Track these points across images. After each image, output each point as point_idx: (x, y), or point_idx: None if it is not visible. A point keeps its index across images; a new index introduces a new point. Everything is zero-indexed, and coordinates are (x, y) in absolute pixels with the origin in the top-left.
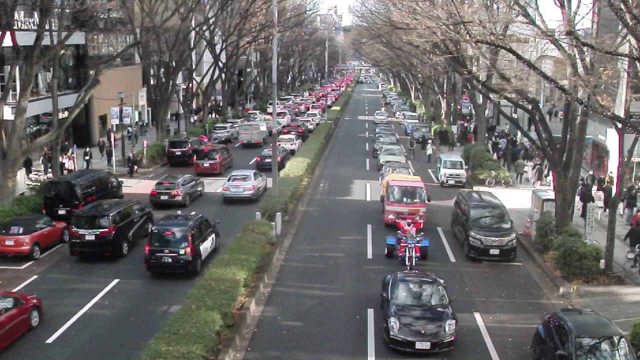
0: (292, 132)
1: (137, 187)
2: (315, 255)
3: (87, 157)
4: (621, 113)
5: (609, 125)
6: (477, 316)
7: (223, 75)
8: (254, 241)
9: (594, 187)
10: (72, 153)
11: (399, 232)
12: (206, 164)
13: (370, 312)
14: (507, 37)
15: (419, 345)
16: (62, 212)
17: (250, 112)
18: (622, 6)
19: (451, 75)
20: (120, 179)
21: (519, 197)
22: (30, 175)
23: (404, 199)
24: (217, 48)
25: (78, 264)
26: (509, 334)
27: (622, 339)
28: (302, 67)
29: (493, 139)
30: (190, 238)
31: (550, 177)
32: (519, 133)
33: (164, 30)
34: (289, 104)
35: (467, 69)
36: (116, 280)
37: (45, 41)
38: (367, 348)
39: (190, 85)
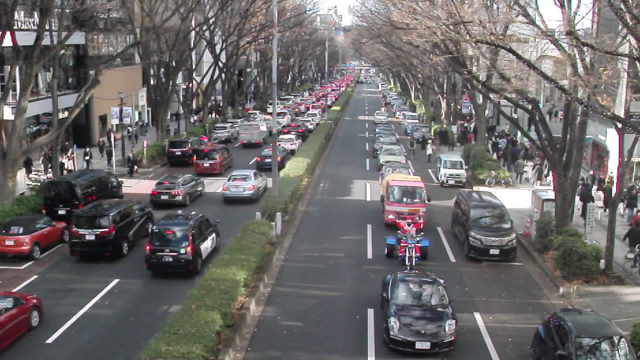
0: (292, 132)
1: (137, 187)
2: (315, 255)
3: (87, 157)
4: (621, 113)
5: (609, 125)
6: (477, 316)
7: (223, 75)
8: (254, 241)
9: (594, 187)
10: (72, 153)
11: (399, 232)
12: (206, 164)
13: (370, 312)
14: (507, 37)
15: (419, 345)
16: (62, 212)
17: (250, 112)
18: (622, 6)
19: (451, 75)
20: (120, 179)
21: (519, 197)
22: (30, 175)
23: (404, 199)
24: (217, 48)
25: (78, 264)
26: (509, 334)
27: (622, 339)
28: (302, 67)
29: (493, 139)
30: (190, 237)
31: (550, 177)
32: (519, 133)
33: (164, 30)
34: (289, 104)
35: (467, 69)
36: (116, 280)
37: (45, 41)
38: (367, 348)
39: (190, 85)
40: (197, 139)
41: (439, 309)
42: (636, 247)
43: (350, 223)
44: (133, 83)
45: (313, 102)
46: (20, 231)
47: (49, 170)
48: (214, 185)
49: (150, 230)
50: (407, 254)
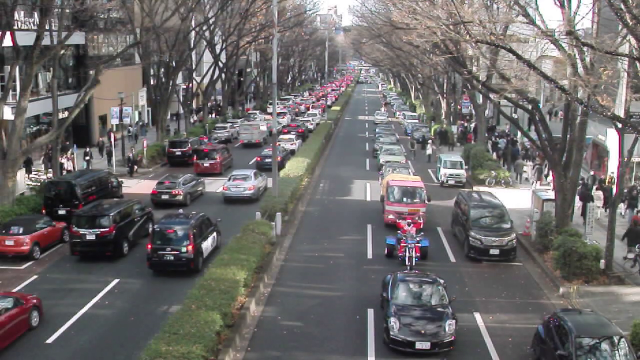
0: (292, 132)
1: (137, 187)
2: (315, 255)
3: (87, 157)
4: (621, 113)
5: (609, 125)
6: (477, 316)
7: (223, 75)
8: (254, 241)
9: (594, 187)
10: (72, 153)
11: (399, 232)
12: (206, 164)
13: (370, 312)
14: (507, 37)
15: (419, 345)
16: (62, 212)
17: (250, 112)
18: (622, 6)
19: (451, 75)
20: (120, 179)
21: (519, 197)
22: (30, 175)
23: (404, 199)
24: (217, 48)
25: (78, 263)
26: (509, 334)
27: (622, 339)
28: (302, 67)
29: (493, 139)
30: (192, 236)
31: (550, 177)
32: (519, 133)
33: (164, 30)
34: (289, 104)
35: (467, 69)
36: (116, 280)
37: (45, 41)
38: (367, 348)
39: (190, 85)
40: (197, 139)
41: (439, 309)
42: (636, 247)
43: (350, 223)
44: (133, 83)
45: (313, 102)
46: (20, 231)
47: (49, 170)
48: (214, 185)
49: (151, 229)
50: (407, 254)
